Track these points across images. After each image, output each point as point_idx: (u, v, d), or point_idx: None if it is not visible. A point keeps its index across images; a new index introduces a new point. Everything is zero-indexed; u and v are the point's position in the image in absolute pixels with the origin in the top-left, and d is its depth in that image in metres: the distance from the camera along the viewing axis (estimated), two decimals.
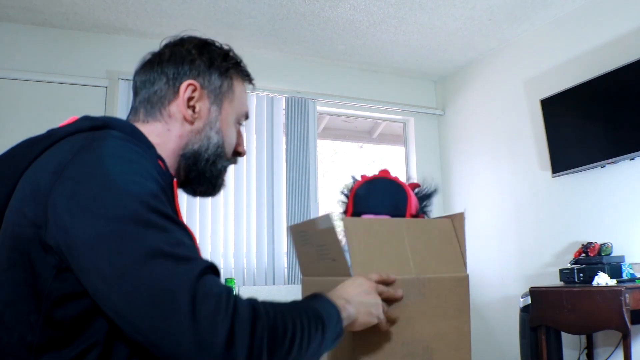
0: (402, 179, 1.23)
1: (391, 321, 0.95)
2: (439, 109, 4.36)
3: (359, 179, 1.23)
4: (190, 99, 0.85)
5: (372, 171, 1.27)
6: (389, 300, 0.95)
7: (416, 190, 1.24)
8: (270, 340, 0.64)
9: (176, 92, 0.84)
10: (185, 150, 0.85)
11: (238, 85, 0.92)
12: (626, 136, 2.73)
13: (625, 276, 2.57)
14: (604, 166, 2.88)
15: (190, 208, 3.41)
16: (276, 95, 3.78)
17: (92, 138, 0.71)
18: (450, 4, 3.13)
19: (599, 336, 2.86)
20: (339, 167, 4.27)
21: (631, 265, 2.63)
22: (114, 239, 0.61)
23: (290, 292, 3.42)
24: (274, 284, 3.49)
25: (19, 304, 0.65)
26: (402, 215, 1.13)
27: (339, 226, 0.98)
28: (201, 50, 0.88)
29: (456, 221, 1.07)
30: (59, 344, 0.64)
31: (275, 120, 3.75)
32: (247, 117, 0.95)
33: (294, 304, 0.75)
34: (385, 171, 1.25)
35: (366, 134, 4.54)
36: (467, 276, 1.05)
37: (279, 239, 3.60)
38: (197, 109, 0.85)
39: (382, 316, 0.90)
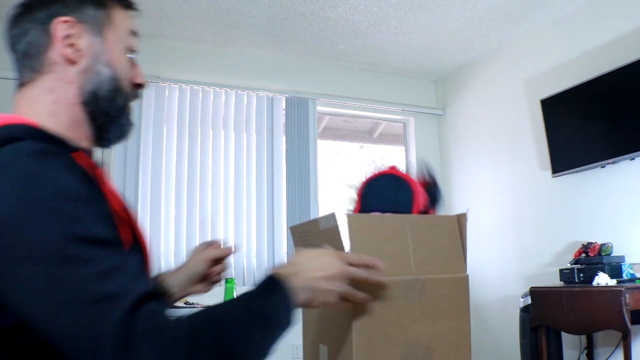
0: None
1: (358, 301, 0.90)
2: (439, 109, 4.36)
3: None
4: (67, 37, 0.77)
5: (380, 168, 1.27)
6: (366, 283, 0.91)
7: (428, 186, 1.22)
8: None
9: (51, 36, 0.77)
10: (82, 95, 0.78)
11: (116, 12, 0.85)
12: (626, 136, 2.73)
13: (625, 276, 2.57)
14: (604, 166, 2.88)
15: (190, 208, 3.41)
16: (276, 95, 3.78)
17: None
18: (450, 4, 3.13)
19: (599, 336, 2.86)
20: (339, 167, 4.27)
21: (631, 265, 2.63)
22: (35, 283, 0.59)
23: None
24: None
25: None
26: (407, 211, 1.12)
27: (341, 224, 0.97)
28: None
29: (460, 220, 1.07)
30: None
31: (275, 120, 3.76)
32: (136, 46, 0.88)
33: (239, 306, 0.71)
34: (392, 167, 1.24)
35: (366, 134, 4.54)
36: (467, 276, 1.05)
37: (279, 239, 3.60)
38: (78, 46, 0.78)
39: (343, 295, 0.86)
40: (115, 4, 0.85)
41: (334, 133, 4.36)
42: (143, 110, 3.39)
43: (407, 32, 3.51)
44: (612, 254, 2.73)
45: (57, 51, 0.77)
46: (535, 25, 3.42)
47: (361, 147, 4.47)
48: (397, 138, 4.45)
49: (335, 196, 4.12)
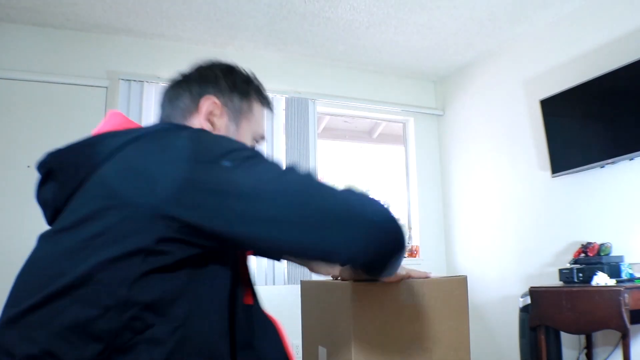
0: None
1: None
2: (438, 109, 4.36)
3: None
4: (210, 113, 0.91)
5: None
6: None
7: None
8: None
9: (198, 107, 0.91)
10: None
11: (257, 108, 0.99)
12: (626, 136, 2.74)
13: (624, 276, 2.57)
14: (603, 166, 2.88)
15: None
16: (276, 95, 3.78)
17: (175, 128, 0.80)
18: (450, 4, 3.13)
19: (598, 336, 2.87)
20: (339, 167, 4.28)
21: (630, 265, 2.63)
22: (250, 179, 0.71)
23: (290, 293, 3.43)
24: (274, 284, 3.50)
25: (110, 263, 0.69)
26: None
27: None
28: (226, 73, 0.96)
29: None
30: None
31: (275, 120, 3.76)
32: (263, 138, 1.01)
33: None
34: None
35: (366, 134, 4.54)
36: (466, 277, 1.06)
37: None
38: (215, 125, 0.91)
39: (405, 271, 0.99)
40: (257, 100, 1.00)
41: (334, 133, 4.36)
42: (143, 111, 3.39)
43: (407, 33, 3.51)
44: (611, 254, 2.73)
45: (198, 121, 0.91)
46: (535, 25, 3.42)
47: (361, 147, 4.48)
48: (397, 138, 4.45)
49: None
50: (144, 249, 0.68)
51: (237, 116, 0.94)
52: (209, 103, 0.91)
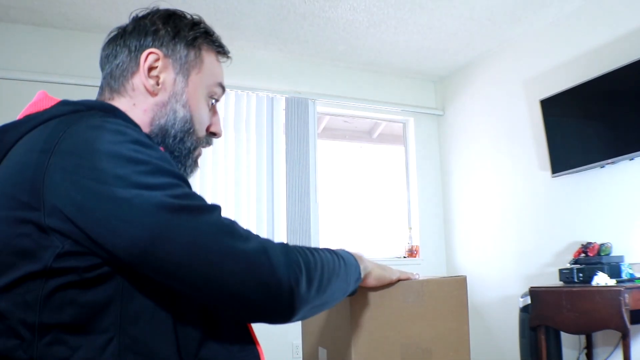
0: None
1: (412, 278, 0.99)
2: (438, 109, 4.36)
3: None
4: (151, 68, 0.80)
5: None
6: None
7: None
8: (305, 261, 0.69)
9: (138, 64, 0.80)
10: (152, 126, 0.80)
11: (208, 56, 0.87)
12: (626, 136, 2.74)
13: (624, 276, 2.57)
14: (603, 166, 2.88)
15: None
16: (276, 96, 3.78)
17: (77, 117, 0.68)
18: (450, 4, 3.13)
19: (598, 336, 2.87)
20: (339, 167, 4.28)
21: (630, 265, 2.63)
22: (136, 204, 0.61)
23: None
24: None
25: (12, 288, 0.62)
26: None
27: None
28: (166, 20, 0.83)
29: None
30: (65, 323, 0.63)
31: (275, 120, 3.76)
32: (222, 90, 0.90)
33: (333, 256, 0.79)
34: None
35: (366, 134, 4.54)
36: (465, 278, 1.05)
37: (279, 239, 3.60)
38: (160, 80, 0.80)
39: (396, 275, 0.94)
40: (208, 47, 0.87)
41: (333, 133, 4.36)
42: None
43: (407, 33, 3.51)
44: (612, 254, 2.73)
45: (139, 79, 0.79)
46: (535, 25, 3.42)
47: (361, 147, 4.47)
48: (397, 138, 4.45)
49: (335, 197, 4.12)
50: (42, 268, 0.61)
51: (184, 68, 0.82)
52: (150, 57, 0.79)
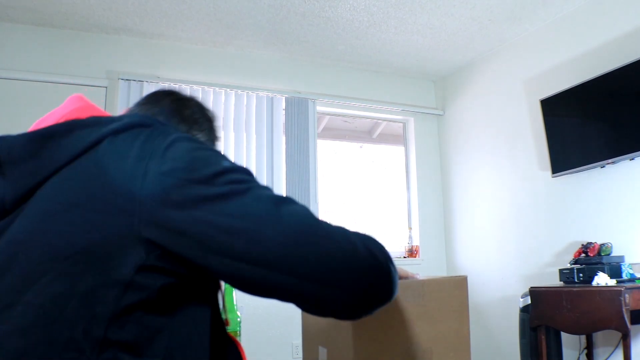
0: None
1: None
2: (438, 109, 4.36)
3: None
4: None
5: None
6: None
7: None
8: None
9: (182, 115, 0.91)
10: None
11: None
12: (626, 136, 2.74)
13: (624, 276, 2.57)
14: (603, 166, 2.88)
15: None
16: (276, 96, 3.78)
17: (156, 128, 0.69)
18: (450, 4, 3.13)
19: (598, 336, 2.87)
20: (339, 167, 4.27)
21: (631, 265, 2.63)
22: (240, 201, 0.62)
23: None
24: None
25: (83, 296, 0.60)
26: None
27: None
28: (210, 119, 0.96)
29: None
30: (129, 341, 0.61)
31: (275, 120, 3.76)
32: None
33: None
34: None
35: (366, 134, 4.54)
36: (466, 278, 1.05)
37: None
38: None
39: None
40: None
41: (333, 133, 4.36)
42: None
43: (407, 32, 3.51)
44: (612, 254, 2.73)
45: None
46: (535, 25, 3.42)
47: (361, 147, 4.47)
48: (397, 138, 4.45)
49: (335, 196, 4.12)
50: (122, 281, 0.60)
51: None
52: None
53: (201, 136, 0.90)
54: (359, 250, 0.64)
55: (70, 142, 0.67)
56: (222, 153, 0.70)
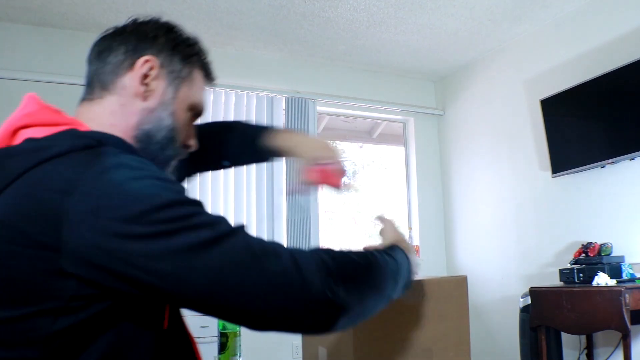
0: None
1: None
2: (438, 109, 4.36)
3: None
4: (145, 76, 0.80)
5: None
6: None
7: None
8: (345, 268, 0.69)
9: (132, 65, 0.80)
10: (138, 130, 0.80)
11: (198, 75, 0.88)
12: (626, 136, 2.73)
13: (625, 276, 2.57)
14: (604, 166, 2.88)
15: None
16: (276, 96, 3.78)
17: (93, 155, 0.67)
18: (450, 4, 3.13)
19: (598, 336, 2.86)
20: None
21: (631, 265, 2.63)
22: (163, 242, 0.60)
23: None
24: None
25: (17, 322, 0.62)
26: None
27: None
28: (167, 31, 0.86)
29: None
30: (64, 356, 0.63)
31: (275, 120, 3.76)
32: (201, 112, 0.90)
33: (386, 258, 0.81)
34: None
35: (366, 134, 4.54)
36: (466, 278, 1.05)
37: (279, 240, 3.60)
38: (151, 87, 0.81)
39: None
40: (200, 67, 0.88)
41: (334, 133, 4.36)
42: None
43: (407, 33, 3.51)
44: (612, 254, 2.73)
45: (131, 81, 0.80)
46: (535, 25, 3.42)
47: (361, 147, 4.47)
48: (397, 138, 4.45)
49: (335, 196, 4.12)
50: (54, 308, 0.60)
51: (176, 80, 0.83)
52: (146, 64, 0.80)
53: (158, 53, 0.82)
54: (288, 282, 0.62)
55: (13, 164, 0.66)
56: (166, 179, 0.67)
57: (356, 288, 0.69)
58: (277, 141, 1.04)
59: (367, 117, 4.30)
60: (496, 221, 3.67)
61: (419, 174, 4.24)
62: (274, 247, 0.65)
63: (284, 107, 3.79)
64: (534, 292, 2.72)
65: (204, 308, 0.63)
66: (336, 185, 1.01)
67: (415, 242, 4.17)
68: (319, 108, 3.96)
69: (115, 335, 0.65)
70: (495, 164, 3.73)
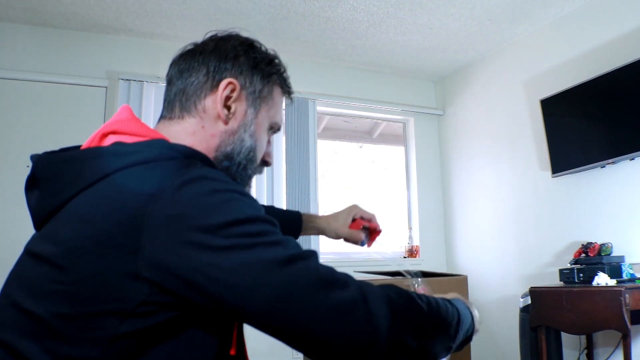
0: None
1: None
2: (438, 109, 4.36)
3: None
4: (227, 98, 0.81)
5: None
6: None
7: None
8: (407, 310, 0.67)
9: (214, 87, 0.81)
10: (218, 152, 0.81)
11: (277, 93, 0.89)
12: (626, 136, 2.73)
13: (625, 276, 2.57)
14: (604, 166, 2.88)
15: None
16: None
17: (180, 164, 0.68)
18: (450, 4, 3.13)
19: (598, 336, 2.87)
20: (339, 167, 4.27)
21: (631, 265, 2.63)
22: (244, 256, 0.60)
23: None
24: None
25: (85, 319, 0.62)
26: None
27: None
28: (247, 49, 0.85)
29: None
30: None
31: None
32: (279, 128, 0.91)
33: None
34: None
35: (366, 134, 4.54)
36: (466, 277, 1.05)
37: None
38: (232, 109, 0.81)
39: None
40: (278, 84, 0.90)
41: (333, 133, 4.36)
42: (143, 111, 3.39)
43: (407, 32, 3.51)
44: (612, 254, 2.73)
45: (213, 103, 0.80)
46: (535, 25, 3.42)
47: (361, 147, 4.47)
48: (397, 138, 4.45)
49: (335, 196, 4.12)
50: (123, 311, 0.61)
51: (256, 101, 0.84)
52: (228, 87, 0.80)
53: (239, 74, 0.82)
54: (354, 312, 0.61)
55: (88, 169, 0.68)
56: (247, 195, 0.67)
57: (418, 327, 0.68)
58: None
59: (367, 117, 4.30)
60: (496, 221, 3.67)
61: (419, 174, 4.24)
62: (344, 276, 0.65)
63: (284, 107, 3.79)
64: (534, 292, 2.72)
65: (266, 325, 0.62)
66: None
67: (415, 242, 4.17)
68: (319, 108, 3.96)
69: (177, 345, 0.65)
70: (495, 164, 3.73)
